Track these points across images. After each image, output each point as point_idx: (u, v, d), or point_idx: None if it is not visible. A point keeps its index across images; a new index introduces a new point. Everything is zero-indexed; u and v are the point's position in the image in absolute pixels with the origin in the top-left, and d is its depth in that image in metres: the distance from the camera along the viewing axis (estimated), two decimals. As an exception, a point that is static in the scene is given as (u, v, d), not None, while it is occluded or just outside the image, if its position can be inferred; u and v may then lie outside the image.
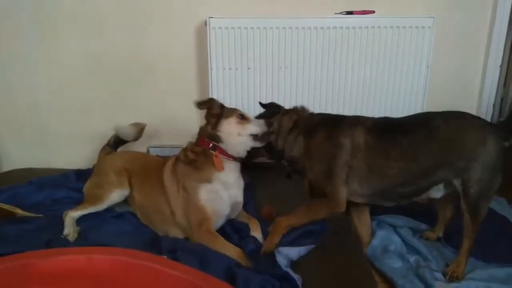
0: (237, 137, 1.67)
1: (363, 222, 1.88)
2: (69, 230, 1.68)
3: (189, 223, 1.64)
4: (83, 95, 2.53)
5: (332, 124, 1.68)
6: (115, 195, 1.82)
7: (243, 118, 1.69)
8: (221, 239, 1.55)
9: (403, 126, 1.63)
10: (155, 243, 1.60)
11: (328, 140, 1.63)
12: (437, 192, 1.67)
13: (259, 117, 1.78)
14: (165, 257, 1.34)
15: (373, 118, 1.69)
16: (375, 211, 2.14)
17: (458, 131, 1.56)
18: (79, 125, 2.57)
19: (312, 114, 1.80)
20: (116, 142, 2.19)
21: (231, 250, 1.49)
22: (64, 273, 0.87)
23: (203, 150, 1.68)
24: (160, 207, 1.73)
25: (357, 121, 1.67)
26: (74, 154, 2.57)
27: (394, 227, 2.03)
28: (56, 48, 2.45)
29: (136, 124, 2.18)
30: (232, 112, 1.70)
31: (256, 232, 1.69)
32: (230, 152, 1.68)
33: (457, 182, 1.57)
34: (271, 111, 1.80)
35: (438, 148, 1.55)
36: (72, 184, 2.14)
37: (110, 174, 1.87)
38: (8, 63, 2.48)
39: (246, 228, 1.71)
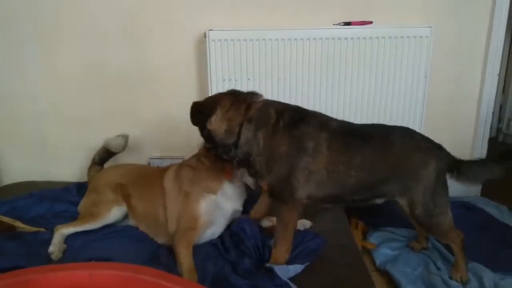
0: None
1: None
2: (55, 248, 1.62)
3: (177, 227, 1.66)
4: (84, 107, 2.53)
5: (295, 124, 1.53)
6: (114, 213, 1.80)
7: None
8: (184, 255, 1.53)
9: (364, 133, 1.59)
10: (155, 257, 1.60)
11: (291, 142, 1.50)
12: (378, 200, 1.69)
13: None
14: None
15: (335, 120, 1.61)
16: (382, 223, 2.15)
17: (408, 150, 1.57)
18: (79, 137, 2.57)
19: (266, 104, 1.59)
20: (101, 158, 2.19)
21: (184, 266, 1.50)
22: (66, 290, 0.86)
23: (217, 158, 1.66)
24: (157, 214, 1.75)
25: (322, 122, 1.57)
26: (75, 166, 2.57)
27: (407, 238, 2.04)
28: (56, 60, 2.46)
29: (122, 136, 2.20)
30: None
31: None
32: None
33: (402, 201, 1.60)
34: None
35: (390, 163, 1.56)
36: (72, 197, 2.13)
37: (107, 191, 1.86)
38: (8, 76, 2.49)
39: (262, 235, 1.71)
